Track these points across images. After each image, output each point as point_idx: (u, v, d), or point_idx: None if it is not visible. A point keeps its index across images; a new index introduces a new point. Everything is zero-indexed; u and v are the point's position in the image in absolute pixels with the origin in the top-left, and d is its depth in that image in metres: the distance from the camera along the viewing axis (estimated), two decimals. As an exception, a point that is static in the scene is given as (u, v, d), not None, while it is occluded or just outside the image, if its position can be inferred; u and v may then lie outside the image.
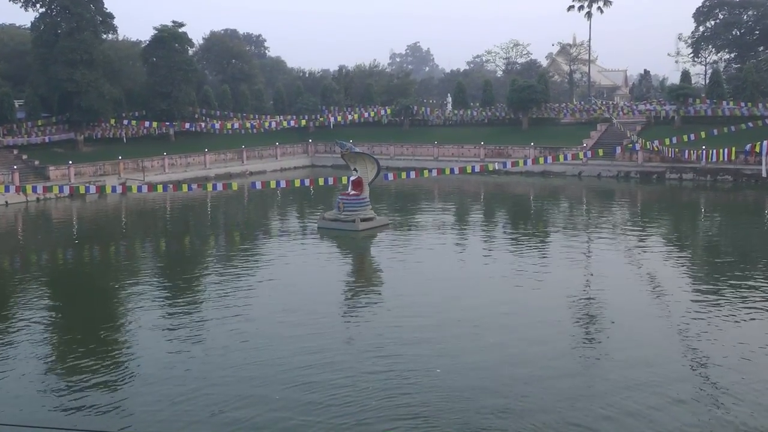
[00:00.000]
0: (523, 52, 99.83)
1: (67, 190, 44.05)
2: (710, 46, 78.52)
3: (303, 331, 19.05)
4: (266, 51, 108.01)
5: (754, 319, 19.71)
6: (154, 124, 63.01)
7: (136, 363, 17.14)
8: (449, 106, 76.02)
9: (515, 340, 18.06)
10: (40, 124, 59.40)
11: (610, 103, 73.39)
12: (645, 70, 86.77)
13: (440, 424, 13.72)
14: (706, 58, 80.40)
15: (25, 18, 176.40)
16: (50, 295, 24.37)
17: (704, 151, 50.02)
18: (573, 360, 16.88)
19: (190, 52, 72.94)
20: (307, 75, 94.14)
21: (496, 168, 45.54)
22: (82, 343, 18.75)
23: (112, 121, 61.88)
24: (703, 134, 48.60)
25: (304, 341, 18.21)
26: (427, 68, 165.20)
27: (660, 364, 16.43)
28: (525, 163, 44.81)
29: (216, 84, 79.25)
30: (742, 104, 56.92)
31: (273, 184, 39.43)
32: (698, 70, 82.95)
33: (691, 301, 21.52)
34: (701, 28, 77.59)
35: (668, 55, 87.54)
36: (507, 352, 17.34)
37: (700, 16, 77.61)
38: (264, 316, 20.54)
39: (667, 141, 47.22)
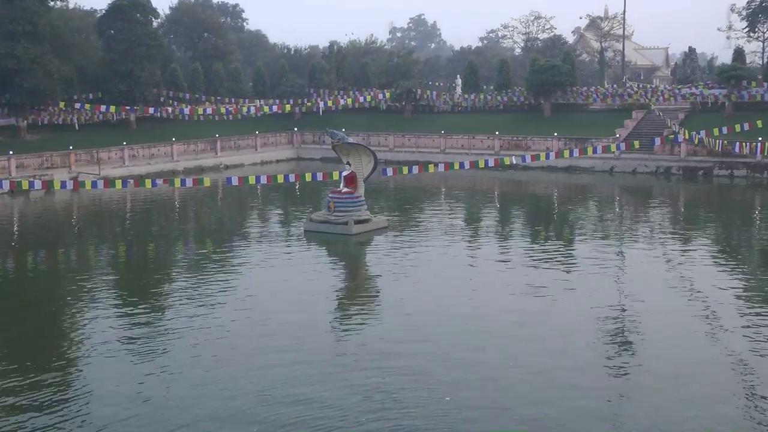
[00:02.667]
0: (546, 27, 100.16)
1: (7, 186, 43.92)
2: (769, 19, 78.40)
3: (285, 353, 18.94)
4: (244, 24, 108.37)
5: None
6: (112, 108, 63.00)
7: (89, 386, 17.05)
8: (459, 90, 76.08)
9: (536, 365, 17.98)
10: (-26, 107, 59.38)
11: (648, 86, 73.49)
12: (690, 48, 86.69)
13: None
14: (764, 33, 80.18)
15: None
16: (-13, 308, 24.26)
17: (759, 143, 49.96)
18: (602, 391, 16.79)
19: (155, 23, 73.06)
20: (292, 52, 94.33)
21: (514, 162, 45.47)
22: (27, 362, 18.62)
23: (62, 105, 61.84)
24: (759, 123, 48.38)
25: (286, 364, 18.10)
26: (433, 45, 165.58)
27: (705, 398, 16.34)
28: (547, 156, 44.72)
29: (185, 62, 79.33)
30: (806, 88, 57.00)
31: (252, 180, 39.36)
32: (754, 47, 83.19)
33: (743, 321, 21.45)
34: (759, -3, 77.45)
35: (718, 29, 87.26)
36: (526, 379, 17.25)
37: (758, -18, 77.44)
38: (240, 334, 20.45)
39: (716, 131, 47.09)
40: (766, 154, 49.26)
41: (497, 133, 63.20)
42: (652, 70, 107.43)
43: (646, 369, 17.95)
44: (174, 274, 28.38)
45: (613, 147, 46.76)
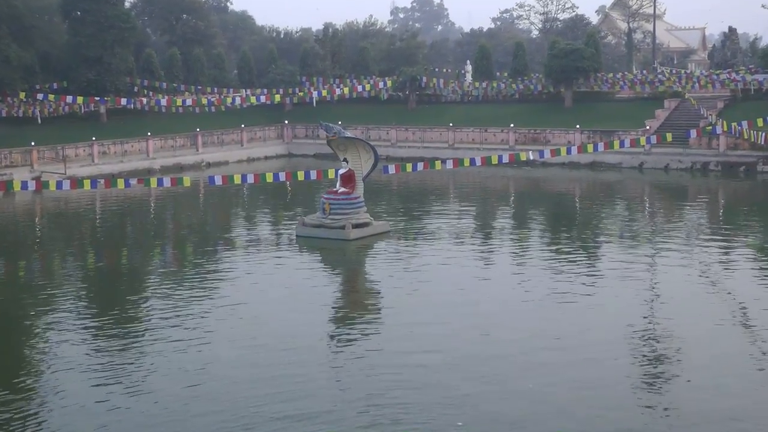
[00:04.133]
0: (567, 5, 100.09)
1: (-37, 187, 43.99)
2: (822, -8, 78.19)
3: (276, 369, 19.07)
4: (228, 3, 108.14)
5: None
6: (79, 99, 62.89)
7: (53, 416, 17.15)
8: (469, 77, 76.14)
9: (557, 386, 18.08)
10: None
11: (683, 71, 73.51)
12: (730, 28, 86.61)
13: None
14: (815, 11, 79.98)
15: None
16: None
17: (807, 136, 49.98)
18: (633, 414, 16.87)
19: (127, 4, 73.14)
20: (282, 35, 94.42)
21: (531, 158, 45.62)
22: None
23: (22, 95, 61.84)
24: (806, 113, 48.54)
25: (277, 387, 18.17)
26: (440, 27, 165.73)
27: (747, 420, 16.42)
28: (568, 151, 44.83)
29: (162, 47, 79.35)
30: None
31: (237, 179, 39.44)
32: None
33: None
34: (809, -32, 77.30)
35: (762, 7, 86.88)
36: (547, 400, 17.36)
37: (807, -50, 77.29)
38: (224, 354, 20.53)
39: (760, 121, 47.06)
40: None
41: (512, 125, 63.25)
42: (687, 53, 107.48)
43: (681, 382, 18.06)
44: (150, 285, 28.42)
45: (643, 140, 46.80)
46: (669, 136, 45.94)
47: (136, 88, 68.72)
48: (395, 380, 18.40)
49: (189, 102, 67.81)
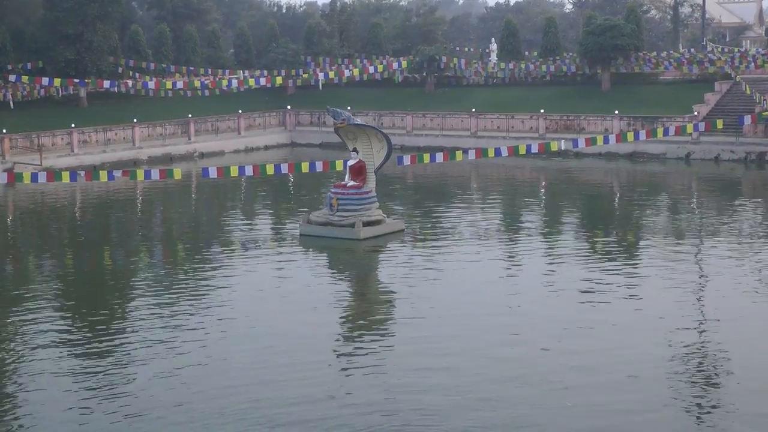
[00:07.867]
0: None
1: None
2: None
3: (275, 386, 19.06)
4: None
5: None
6: (57, 81, 63.08)
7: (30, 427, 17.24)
8: (493, 57, 76.05)
9: (597, 406, 18.02)
10: None
11: (736, 50, 73.18)
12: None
13: None
14: None
15: None
16: None
17: None
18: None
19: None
20: (284, 10, 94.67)
21: (563, 148, 45.46)
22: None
23: (-7, 78, 62.16)
24: None
25: (276, 408, 18.17)
26: (462, 1, 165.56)
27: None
28: (605, 140, 44.67)
29: (149, 23, 79.55)
30: None
31: (234, 172, 39.47)
32: None
33: None
34: None
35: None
36: (583, 424, 17.30)
37: None
38: (218, 368, 20.53)
39: (821, 107, 47.00)
40: None
41: (542, 111, 63.15)
42: (741, 29, 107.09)
43: (734, 400, 18.01)
44: (137, 290, 28.39)
45: (690, 128, 46.65)
46: (720, 123, 45.67)
47: (120, 69, 68.88)
48: (407, 400, 18.32)
49: (180, 85, 67.88)
